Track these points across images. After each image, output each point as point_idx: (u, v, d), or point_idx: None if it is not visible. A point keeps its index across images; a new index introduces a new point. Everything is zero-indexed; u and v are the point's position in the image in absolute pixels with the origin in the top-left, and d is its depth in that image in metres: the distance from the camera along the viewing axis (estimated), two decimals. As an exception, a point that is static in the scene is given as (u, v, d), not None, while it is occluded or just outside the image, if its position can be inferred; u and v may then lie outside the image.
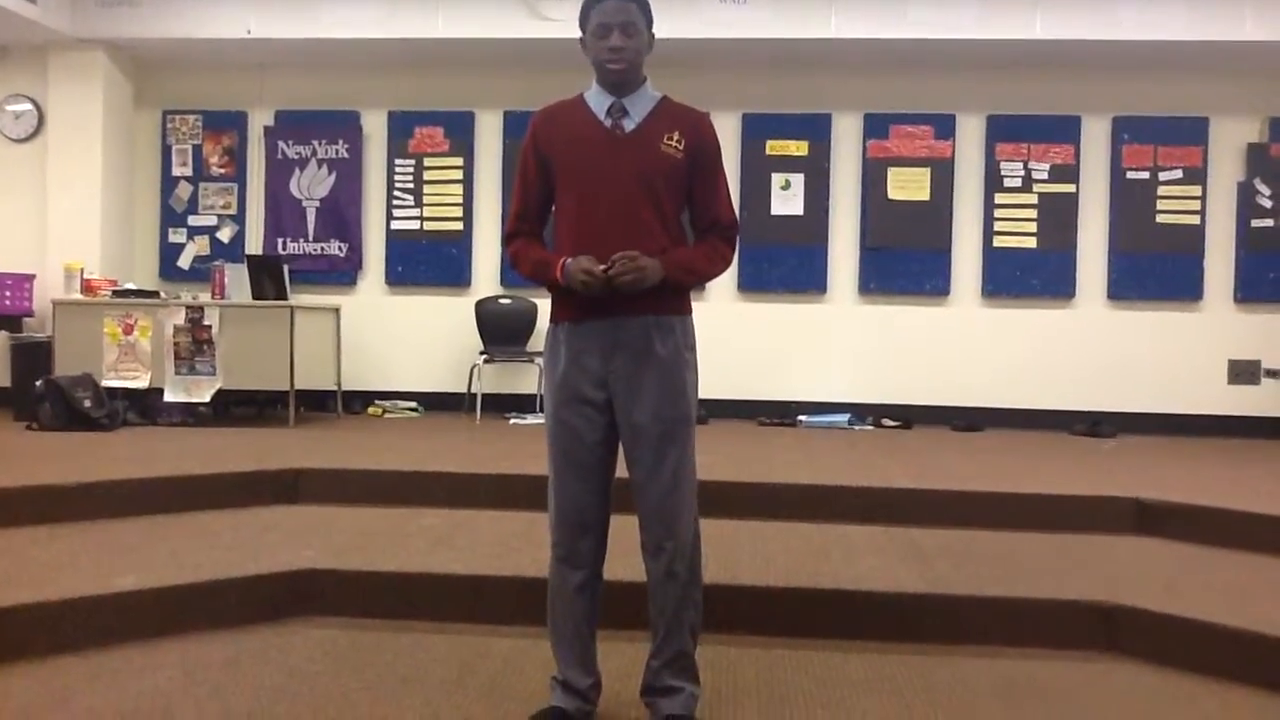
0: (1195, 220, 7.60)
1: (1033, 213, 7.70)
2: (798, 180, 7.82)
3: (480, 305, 7.79)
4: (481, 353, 7.51)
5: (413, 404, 7.85)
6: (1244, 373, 7.58)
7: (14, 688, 2.83)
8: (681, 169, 2.61)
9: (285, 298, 6.95)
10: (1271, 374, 7.42)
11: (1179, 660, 3.13)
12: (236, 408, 7.29)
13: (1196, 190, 7.60)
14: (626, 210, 2.56)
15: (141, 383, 6.75)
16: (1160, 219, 7.62)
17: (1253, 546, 4.05)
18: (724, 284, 7.65)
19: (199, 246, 8.20)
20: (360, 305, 7.94)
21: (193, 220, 8.23)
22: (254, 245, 8.11)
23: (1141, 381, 7.60)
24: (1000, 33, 7.08)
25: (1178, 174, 7.61)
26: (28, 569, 3.48)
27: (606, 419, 2.59)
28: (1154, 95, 7.61)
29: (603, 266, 2.47)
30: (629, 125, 2.60)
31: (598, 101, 2.63)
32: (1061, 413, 7.53)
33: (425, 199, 8.05)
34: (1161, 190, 7.62)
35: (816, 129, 7.81)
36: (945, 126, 7.74)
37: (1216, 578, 3.69)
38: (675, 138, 2.60)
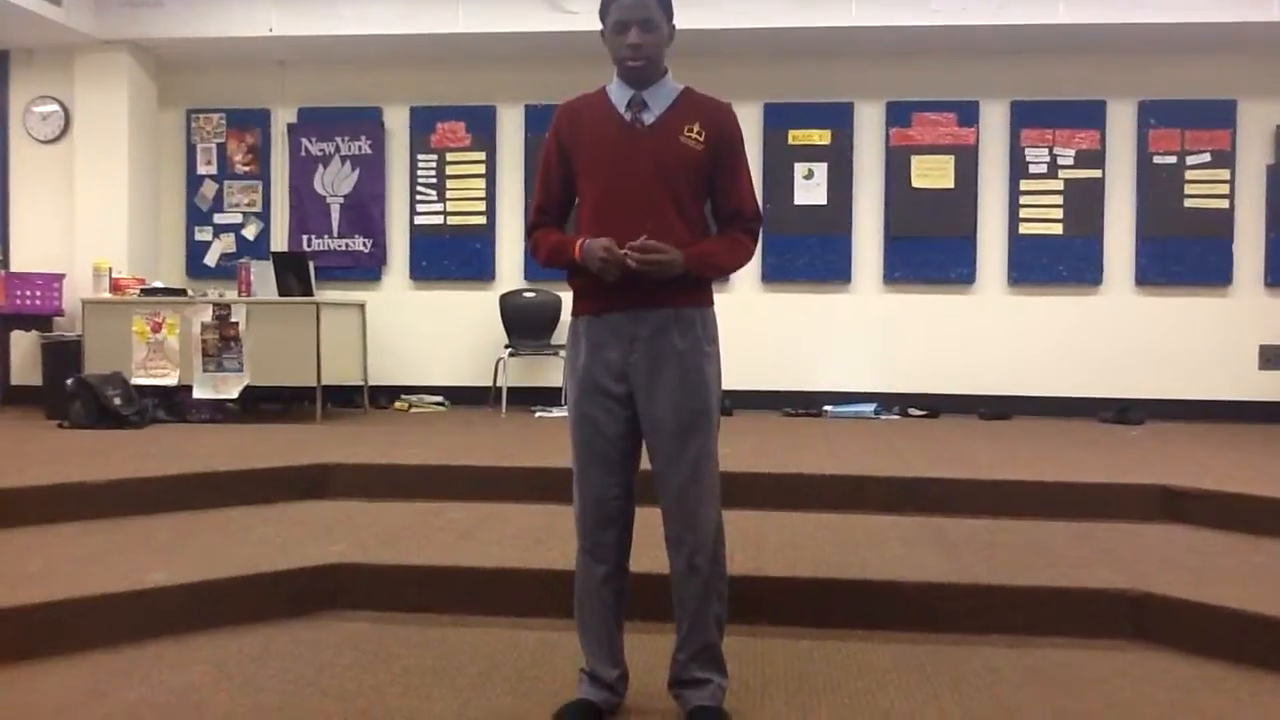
0: (1224, 204, 7.53)
1: (1058, 199, 7.65)
2: (821, 169, 7.79)
3: (504, 299, 7.81)
4: (506, 346, 7.53)
5: (439, 398, 7.88)
6: (1275, 358, 7.50)
7: (49, 683, 2.86)
8: (702, 161, 2.60)
9: (311, 294, 6.99)
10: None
11: (1209, 648, 3.11)
12: (264, 404, 7.34)
13: (1225, 174, 7.52)
14: (646, 203, 2.55)
15: (170, 380, 6.81)
16: (1188, 203, 7.55)
17: (1284, 533, 4.02)
18: (748, 274, 7.63)
19: (225, 244, 8.26)
20: (385, 300, 7.98)
21: (218, 218, 8.29)
22: (279, 242, 8.16)
23: (1170, 368, 7.54)
24: (1023, 18, 7.03)
25: (1206, 157, 7.53)
26: (60, 566, 3.53)
27: (628, 411, 2.59)
28: (1180, 78, 7.53)
29: (623, 250, 2.47)
30: (649, 118, 2.60)
31: (619, 95, 2.63)
32: (1089, 400, 7.48)
33: (448, 193, 8.08)
34: (1189, 174, 7.55)
35: (839, 118, 7.78)
36: (969, 113, 7.69)
37: (1246, 564, 3.66)
38: (696, 129, 2.59)
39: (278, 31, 7.50)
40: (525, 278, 7.95)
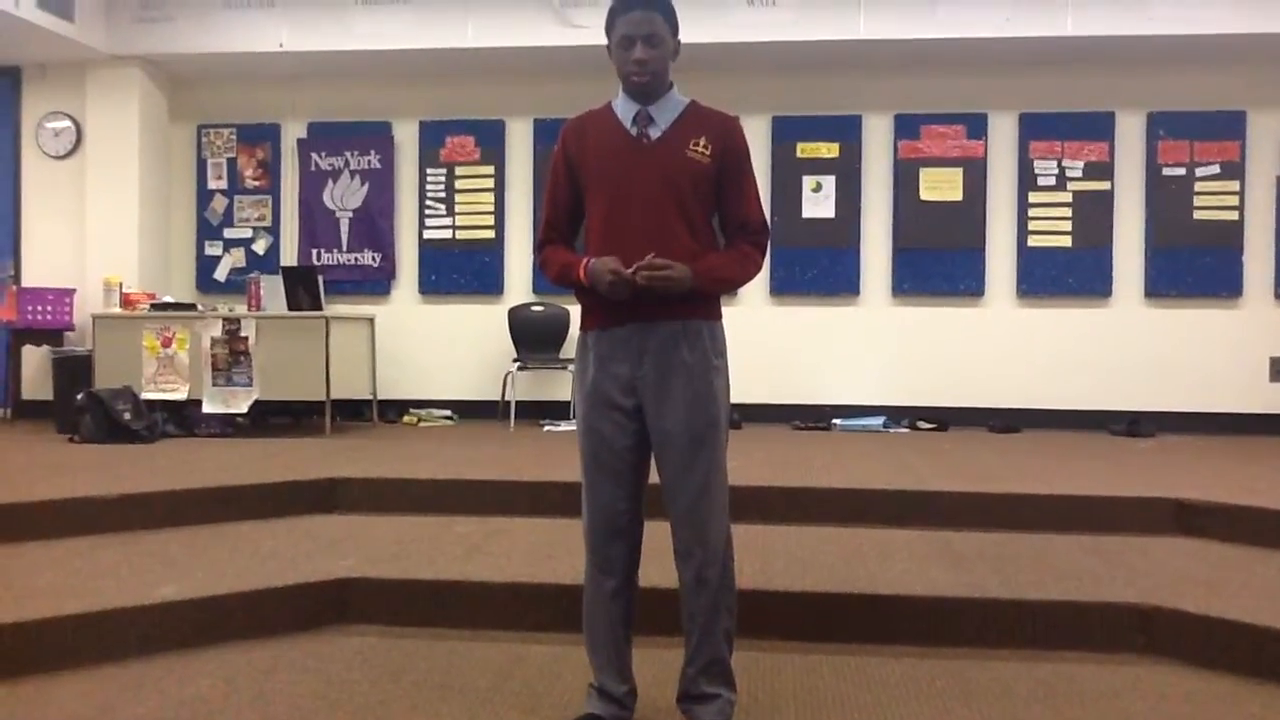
0: (1234, 215, 7.50)
1: (1067, 211, 7.63)
2: (829, 182, 7.79)
3: (513, 312, 7.82)
4: (515, 360, 7.54)
5: (447, 412, 7.89)
6: (1286, 370, 7.48)
7: (60, 696, 2.87)
8: (709, 174, 2.61)
9: (320, 308, 7.01)
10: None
11: (1219, 662, 3.10)
12: (273, 418, 7.36)
13: (1234, 185, 7.50)
14: (654, 218, 2.56)
15: (180, 394, 6.82)
16: (1198, 215, 7.53)
17: (1296, 546, 4.00)
18: (756, 287, 7.62)
19: (235, 259, 8.29)
20: (394, 314, 7.99)
21: (228, 233, 8.32)
22: (289, 256, 8.19)
23: (1180, 380, 7.51)
24: (1031, 30, 7.03)
25: (1215, 169, 7.51)
26: (70, 580, 3.53)
27: (636, 425, 2.59)
28: (1189, 89, 7.52)
29: (630, 269, 2.47)
30: (655, 133, 2.61)
31: (625, 110, 2.64)
32: (1099, 413, 7.45)
33: (457, 207, 8.10)
34: (1198, 185, 7.52)
35: (847, 130, 7.78)
36: (977, 126, 7.69)
37: (1257, 578, 3.65)
38: (702, 143, 2.60)
39: (288, 47, 7.54)
40: (534, 291, 7.95)
